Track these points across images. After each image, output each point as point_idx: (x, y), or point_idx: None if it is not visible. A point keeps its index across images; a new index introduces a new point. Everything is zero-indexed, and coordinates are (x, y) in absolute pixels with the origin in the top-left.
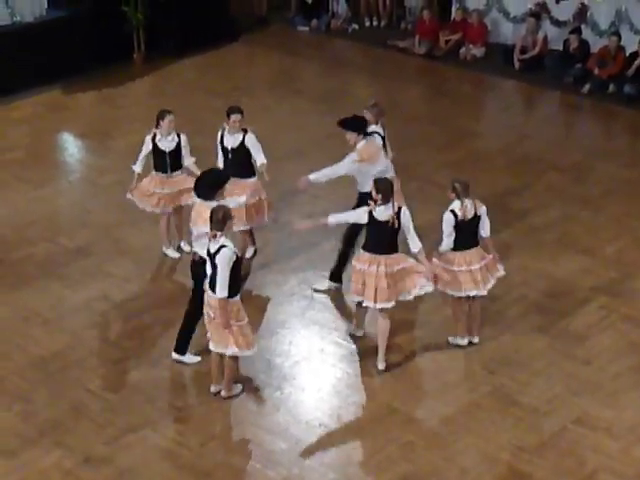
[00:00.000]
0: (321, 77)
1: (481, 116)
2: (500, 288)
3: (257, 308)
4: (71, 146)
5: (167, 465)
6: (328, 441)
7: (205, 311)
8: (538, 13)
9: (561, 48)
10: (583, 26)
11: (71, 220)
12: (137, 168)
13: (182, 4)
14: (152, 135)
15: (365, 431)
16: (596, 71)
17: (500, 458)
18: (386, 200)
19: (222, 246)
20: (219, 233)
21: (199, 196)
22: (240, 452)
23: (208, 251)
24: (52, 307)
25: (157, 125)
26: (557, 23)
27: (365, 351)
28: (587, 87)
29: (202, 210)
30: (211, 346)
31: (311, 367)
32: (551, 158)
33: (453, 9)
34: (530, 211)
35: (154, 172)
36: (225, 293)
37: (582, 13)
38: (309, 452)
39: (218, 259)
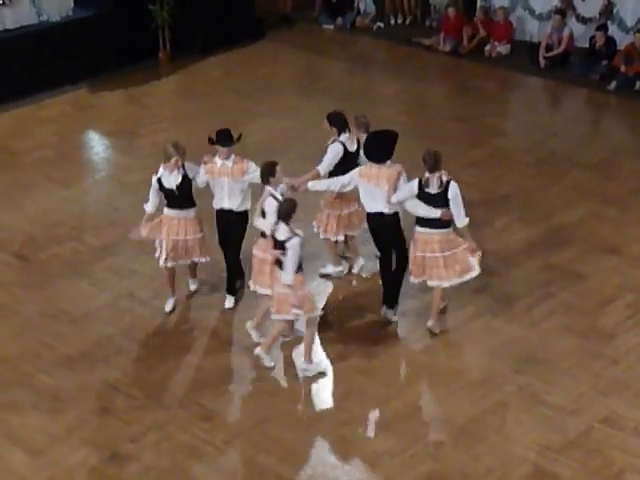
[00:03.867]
0: (346, 75)
1: (507, 114)
2: (526, 286)
3: None
4: (98, 145)
5: (192, 462)
6: (353, 439)
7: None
8: (564, 10)
9: (587, 45)
10: (609, 23)
11: (98, 219)
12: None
13: (208, 3)
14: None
15: (391, 430)
16: (622, 68)
17: (526, 457)
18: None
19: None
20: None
21: (374, 160)
22: (265, 450)
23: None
24: (79, 305)
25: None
26: (583, 20)
27: (390, 350)
28: (613, 84)
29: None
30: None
31: (335, 366)
32: (577, 156)
33: (478, 6)
34: (556, 209)
35: None
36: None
37: (608, 10)
38: (334, 450)
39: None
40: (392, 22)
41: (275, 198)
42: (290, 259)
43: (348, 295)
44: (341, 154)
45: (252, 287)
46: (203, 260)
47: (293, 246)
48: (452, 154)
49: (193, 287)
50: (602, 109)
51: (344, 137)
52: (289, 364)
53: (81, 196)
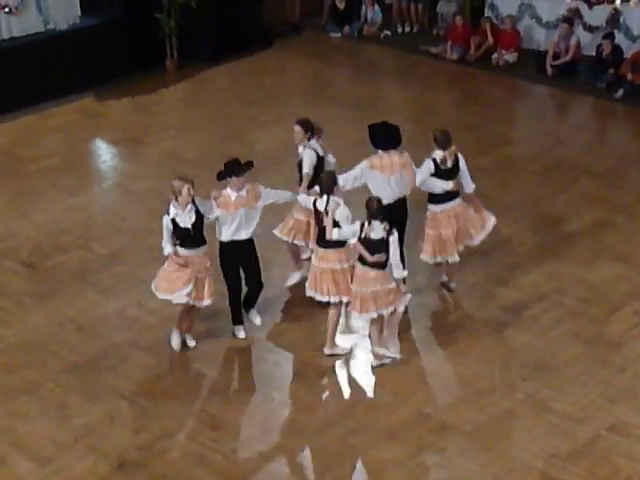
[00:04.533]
0: (354, 83)
1: (514, 122)
2: (534, 294)
3: (291, 315)
4: (105, 153)
5: (200, 471)
6: (360, 447)
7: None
8: (571, 19)
9: (594, 53)
10: (616, 31)
11: (105, 227)
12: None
13: (215, 11)
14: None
15: (398, 437)
16: (629, 76)
17: (534, 465)
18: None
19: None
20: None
21: (387, 148)
22: (273, 458)
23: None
24: (86, 314)
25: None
26: (590, 28)
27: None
28: (620, 92)
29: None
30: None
31: (343, 373)
32: (585, 164)
33: (485, 15)
34: (564, 217)
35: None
36: None
37: (615, 18)
38: (341, 458)
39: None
40: (399, 30)
41: (342, 206)
42: (397, 252)
43: None
44: (315, 159)
45: (332, 300)
46: (206, 304)
47: (396, 239)
48: None
49: (192, 343)
50: (609, 117)
51: (313, 142)
52: (297, 372)
53: (88, 204)
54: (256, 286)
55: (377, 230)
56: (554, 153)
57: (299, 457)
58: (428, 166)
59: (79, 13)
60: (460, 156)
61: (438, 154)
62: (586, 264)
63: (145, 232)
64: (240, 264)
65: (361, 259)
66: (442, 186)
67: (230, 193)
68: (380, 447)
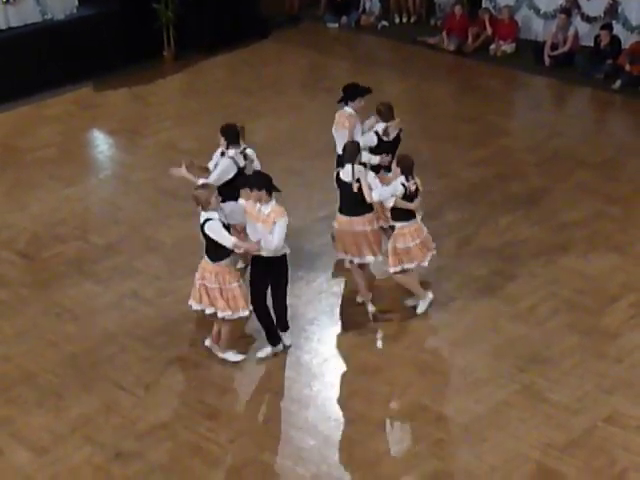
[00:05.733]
0: (351, 74)
1: (511, 113)
2: (530, 285)
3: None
4: (102, 143)
5: (197, 461)
6: (357, 438)
7: None
8: (569, 9)
9: (592, 44)
10: (614, 22)
11: (102, 217)
12: None
13: (212, 2)
14: None
15: (394, 428)
16: (627, 67)
17: (530, 456)
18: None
19: None
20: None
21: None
22: (269, 449)
23: None
24: (83, 304)
25: None
26: (588, 19)
27: (395, 348)
28: (618, 83)
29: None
30: None
31: (340, 364)
32: (582, 155)
33: (483, 5)
34: (560, 208)
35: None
36: None
37: (613, 9)
38: (338, 449)
39: None
40: (397, 21)
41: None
42: None
43: (349, 294)
44: (234, 170)
45: (370, 259)
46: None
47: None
48: (456, 153)
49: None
50: (606, 108)
51: (233, 152)
52: (292, 363)
53: (85, 195)
54: (279, 304)
55: (415, 182)
56: (551, 144)
57: (295, 448)
58: (371, 139)
59: (76, 3)
60: (401, 131)
61: (380, 127)
62: (582, 255)
63: (142, 223)
64: (268, 275)
65: (404, 217)
66: (371, 160)
67: (253, 204)
68: (377, 438)
